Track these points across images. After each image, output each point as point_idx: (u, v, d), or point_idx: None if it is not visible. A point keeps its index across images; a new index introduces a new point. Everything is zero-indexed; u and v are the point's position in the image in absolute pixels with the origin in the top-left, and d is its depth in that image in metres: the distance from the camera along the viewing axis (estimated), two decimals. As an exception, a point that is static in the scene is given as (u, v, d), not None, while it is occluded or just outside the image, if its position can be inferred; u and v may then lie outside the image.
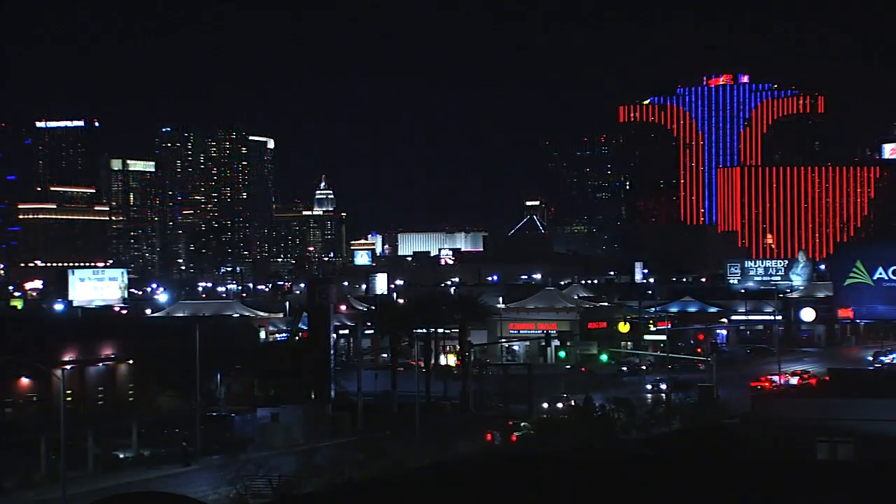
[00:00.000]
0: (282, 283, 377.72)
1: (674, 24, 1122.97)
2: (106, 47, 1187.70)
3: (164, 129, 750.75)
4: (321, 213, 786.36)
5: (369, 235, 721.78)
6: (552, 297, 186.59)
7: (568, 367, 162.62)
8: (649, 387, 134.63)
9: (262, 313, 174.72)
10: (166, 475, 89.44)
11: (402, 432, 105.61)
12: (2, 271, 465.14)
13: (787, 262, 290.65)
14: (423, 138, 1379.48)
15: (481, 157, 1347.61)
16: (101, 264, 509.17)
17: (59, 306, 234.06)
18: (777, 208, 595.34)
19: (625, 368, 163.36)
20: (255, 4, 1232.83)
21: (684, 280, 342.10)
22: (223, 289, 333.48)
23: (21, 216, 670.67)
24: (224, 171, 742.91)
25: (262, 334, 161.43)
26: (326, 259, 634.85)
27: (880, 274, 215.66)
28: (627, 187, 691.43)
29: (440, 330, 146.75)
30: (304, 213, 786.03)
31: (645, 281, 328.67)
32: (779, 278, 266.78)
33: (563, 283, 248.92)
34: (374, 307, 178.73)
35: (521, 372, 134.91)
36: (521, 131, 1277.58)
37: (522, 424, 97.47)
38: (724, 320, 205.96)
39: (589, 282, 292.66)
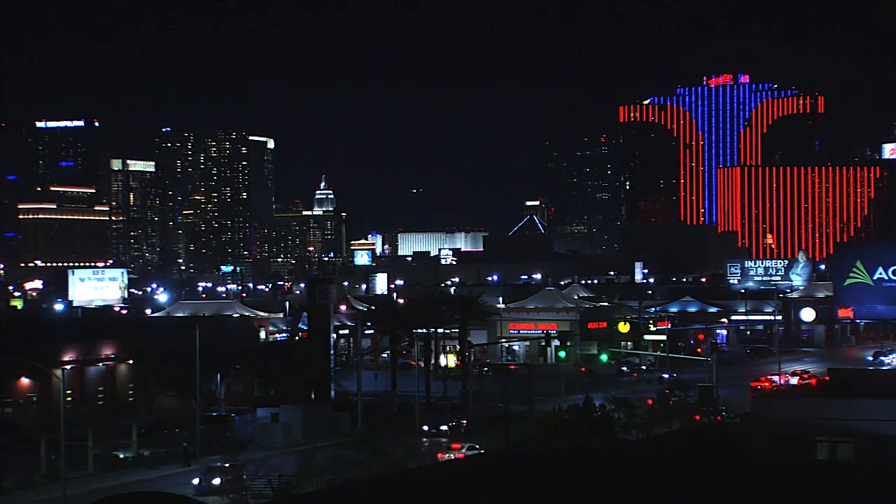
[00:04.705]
0: (282, 283, 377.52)
1: (674, 24, 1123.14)
2: (106, 47, 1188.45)
3: (164, 130, 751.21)
4: (321, 213, 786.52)
5: (369, 235, 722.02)
6: (552, 297, 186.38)
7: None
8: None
9: (262, 313, 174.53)
10: (166, 475, 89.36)
11: (402, 432, 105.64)
12: (2, 271, 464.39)
13: (787, 262, 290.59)
14: (423, 139, 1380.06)
15: (481, 157, 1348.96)
16: (101, 264, 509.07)
17: (59, 306, 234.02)
18: (777, 208, 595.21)
19: (625, 368, 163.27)
20: (255, 5, 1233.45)
21: (684, 280, 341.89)
22: (223, 289, 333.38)
23: (21, 216, 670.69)
24: (224, 171, 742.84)
25: (262, 334, 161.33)
26: (326, 259, 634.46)
27: (880, 274, 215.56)
28: (627, 187, 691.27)
29: (440, 330, 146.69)
30: (304, 213, 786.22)
31: (645, 281, 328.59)
32: (779, 278, 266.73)
33: (563, 283, 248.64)
34: (374, 307, 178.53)
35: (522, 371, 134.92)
36: (521, 131, 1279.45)
37: None
38: (724, 320, 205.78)
39: (589, 282, 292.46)
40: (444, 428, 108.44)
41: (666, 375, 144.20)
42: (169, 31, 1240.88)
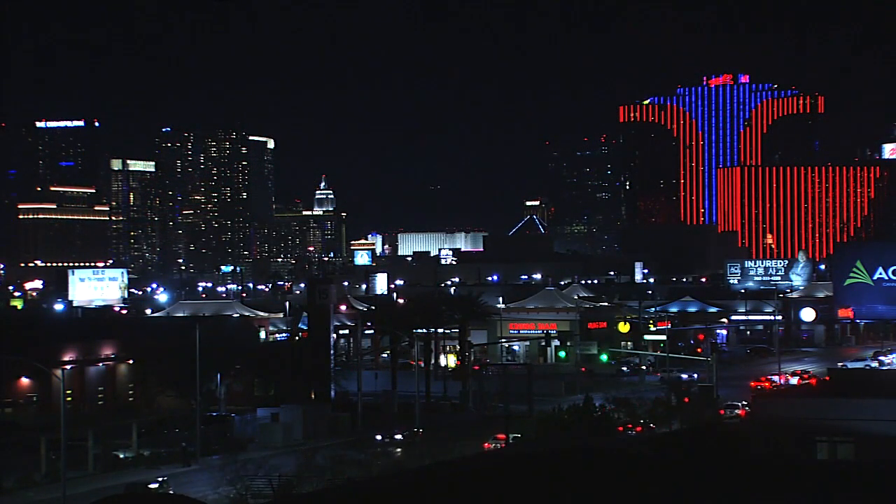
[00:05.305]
0: (282, 283, 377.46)
1: (674, 24, 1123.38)
2: (106, 47, 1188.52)
3: (164, 130, 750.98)
4: (321, 213, 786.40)
5: (369, 235, 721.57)
6: (552, 297, 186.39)
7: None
8: None
9: (262, 313, 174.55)
10: (166, 475, 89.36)
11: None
12: (2, 271, 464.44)
13: (787, 262, 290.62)
14: (424, 138, 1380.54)
15: (481, 157, 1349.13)
16: (101, 264, 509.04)
17: (59, 306, 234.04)
18: (777, 208, 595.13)
19: (625, 368, 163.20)
20: (255, 5, 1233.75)
21: (684, 280, 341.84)
22: (223, 289, 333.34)
23: (21, 216, 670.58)
24: (224, 171, 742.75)
25: (262, 334, 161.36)
26: (326, 259, 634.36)
27: (880, 274, 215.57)
28: (627, 187, 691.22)
29: (440, 330, 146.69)
30: (304, 213, 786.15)
31: (645, 281, 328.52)
32: (779, 278, 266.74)
33: (563, 283, 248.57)
34: (374, 307, 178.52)
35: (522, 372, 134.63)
36: (521, 131, 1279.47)
37: None
38: (724, 320, 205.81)
39: (589, 282, 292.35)
40: (398, 437, 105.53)
41: (685, 376, 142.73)
42: (169, 30, 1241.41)
